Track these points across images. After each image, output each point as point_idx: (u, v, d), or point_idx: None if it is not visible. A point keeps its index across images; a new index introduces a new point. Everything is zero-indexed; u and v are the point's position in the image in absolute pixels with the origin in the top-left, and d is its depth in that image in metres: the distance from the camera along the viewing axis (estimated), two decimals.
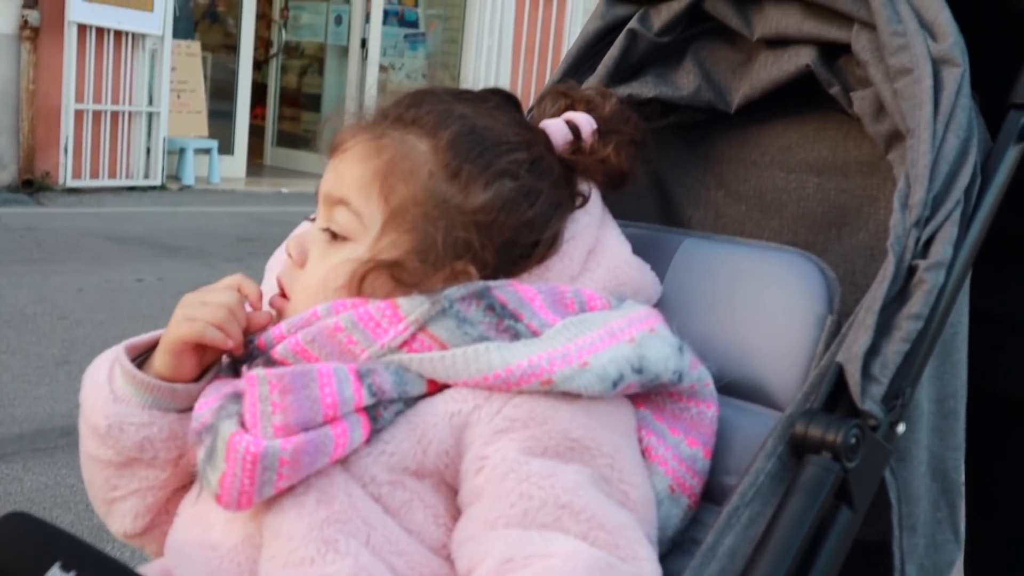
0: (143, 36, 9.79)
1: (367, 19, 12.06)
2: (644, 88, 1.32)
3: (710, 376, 1.04)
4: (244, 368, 1.02)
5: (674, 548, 1.02)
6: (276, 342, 1.02)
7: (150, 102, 10.11)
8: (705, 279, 1.16)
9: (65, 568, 0.79)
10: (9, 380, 4.24)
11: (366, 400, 0.95)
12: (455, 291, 0.99)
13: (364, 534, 0.93)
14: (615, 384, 0.96)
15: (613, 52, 1.34)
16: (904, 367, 1.00)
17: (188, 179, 10.48)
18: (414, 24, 12.89)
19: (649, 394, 1.03)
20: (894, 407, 1.01)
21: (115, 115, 9.95)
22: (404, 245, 1.02)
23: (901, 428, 1.03)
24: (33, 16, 9.18)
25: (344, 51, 12.33)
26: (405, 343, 0.98)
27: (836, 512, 0.98)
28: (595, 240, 1.09)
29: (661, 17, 1.33)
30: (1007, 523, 1.49)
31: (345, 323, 0.99)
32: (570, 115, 1.15)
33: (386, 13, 12.25)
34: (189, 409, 1.03)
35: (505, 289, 1.00)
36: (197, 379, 1.05)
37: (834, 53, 1.21)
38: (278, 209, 10.06)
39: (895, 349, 1.00)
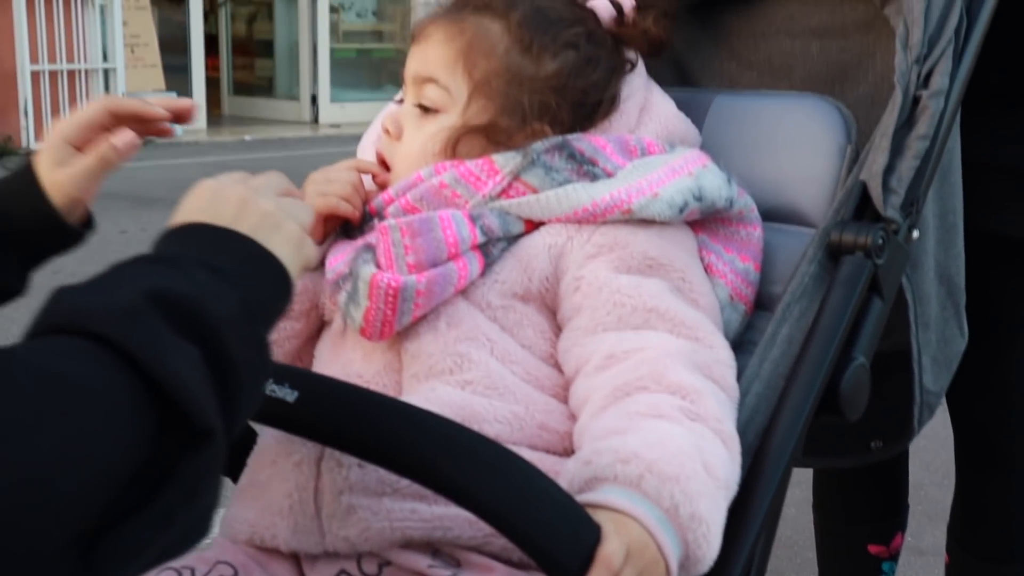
0: None
1: None
2: None
3: (754, 203, 1.24)
4: (374, 223, 1.19)
5: (735, 349, 1.21)
6: (387, 205, 1.20)
7: (105, 58, 10.11)
8: (739, 126, 1.35)
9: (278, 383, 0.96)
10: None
11: (479, 239, 1.14)
12: (540, 145, 1.17)
13: (488, 348, 1.12)
14: (681, 210, 1.16)
15: None
16: (916, 180, 1.21)
17: None
18: None
19: (705, 221, 1.22)
20: (910, 213, 1.21)
21: (71, 74, 9.95)
22: (490, 111, 1.20)
23: (916, 234, 1.23)
24: None
25: None
26: (503, 191, 1.17)
27: (870, 303, 1.18)
28: (645, 98, 1.28)
29: None
30: (995, 341, 1.71)
31: (449, 180, 1.17)
32: None
33: None
34: (313, 269, 1.21)
35: (581, 140, 1.18)
36: (320, 244, 1.23)
37: None
38: (243, 156, 10.13)
39: (908, 165, 1.20)
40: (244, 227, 0.84)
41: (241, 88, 13.07)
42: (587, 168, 1.17)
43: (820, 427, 1.24)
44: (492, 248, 1.15)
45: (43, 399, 0.59)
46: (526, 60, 1.20)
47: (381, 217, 1.20)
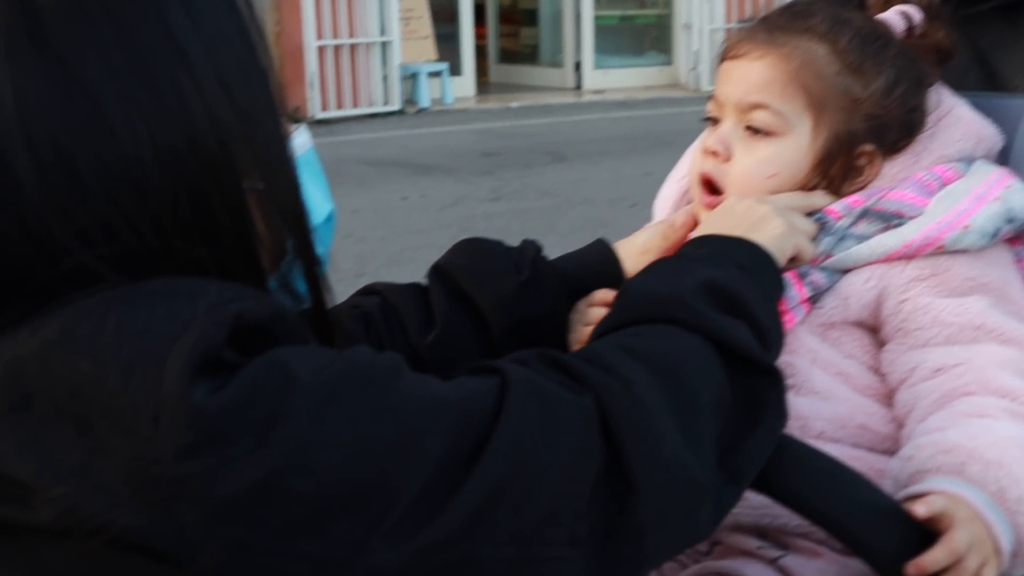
0: None
1: None
2: None
3: None
4: None
5: None
6: None
7: (382, 32, 10.62)
8: None
9: None
10: None
11: (808, 293, 1.20)
12: (845, 221, 1.21)
13: (810, 357, 1.18)
14: (994, 236, 1.19)
15: None
16: None
17: (424, 102, 10.99)
18: None
19: (1020, 234, 1.25)
20: None
21: (352, 47, 10.51)
22: (826, 135, 1.23)
23: None
24: None
25: None
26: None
27: None
28: (938, 105, 1.28)
29: None
30: None
31: None
32: (902, 7, 1.34)
33: None
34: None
35: (881, 201, 1.21)
36: None
37: None
38: (511, 123, 10.43)
39: None
40: (748, 229, 1.15)
41: (507, 56, 13.40)
42: (895, 223, 1.21)
43: None
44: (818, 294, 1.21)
45: (689, 362, 0.91)
46: (856, 83, 1.24)
47: None
